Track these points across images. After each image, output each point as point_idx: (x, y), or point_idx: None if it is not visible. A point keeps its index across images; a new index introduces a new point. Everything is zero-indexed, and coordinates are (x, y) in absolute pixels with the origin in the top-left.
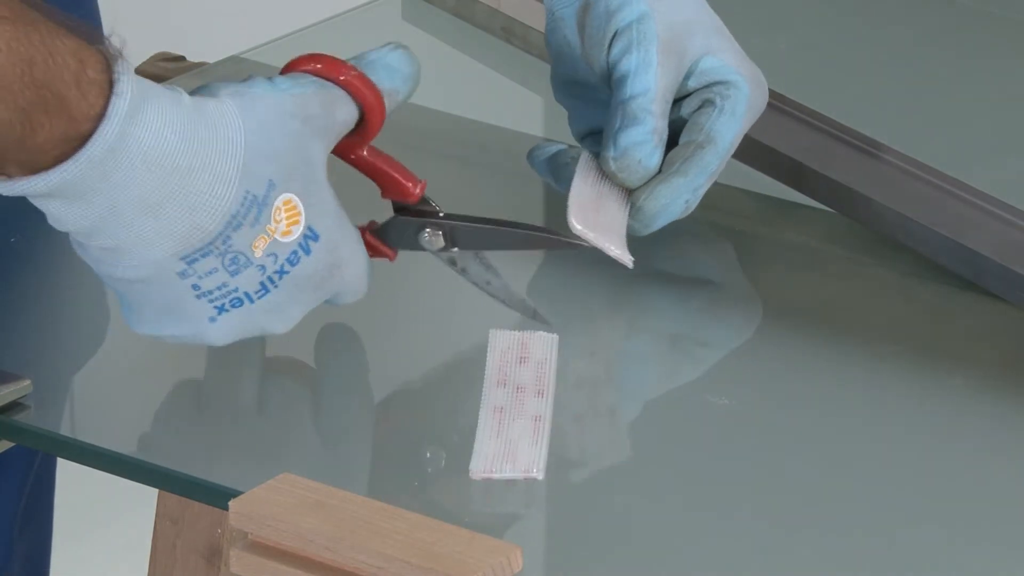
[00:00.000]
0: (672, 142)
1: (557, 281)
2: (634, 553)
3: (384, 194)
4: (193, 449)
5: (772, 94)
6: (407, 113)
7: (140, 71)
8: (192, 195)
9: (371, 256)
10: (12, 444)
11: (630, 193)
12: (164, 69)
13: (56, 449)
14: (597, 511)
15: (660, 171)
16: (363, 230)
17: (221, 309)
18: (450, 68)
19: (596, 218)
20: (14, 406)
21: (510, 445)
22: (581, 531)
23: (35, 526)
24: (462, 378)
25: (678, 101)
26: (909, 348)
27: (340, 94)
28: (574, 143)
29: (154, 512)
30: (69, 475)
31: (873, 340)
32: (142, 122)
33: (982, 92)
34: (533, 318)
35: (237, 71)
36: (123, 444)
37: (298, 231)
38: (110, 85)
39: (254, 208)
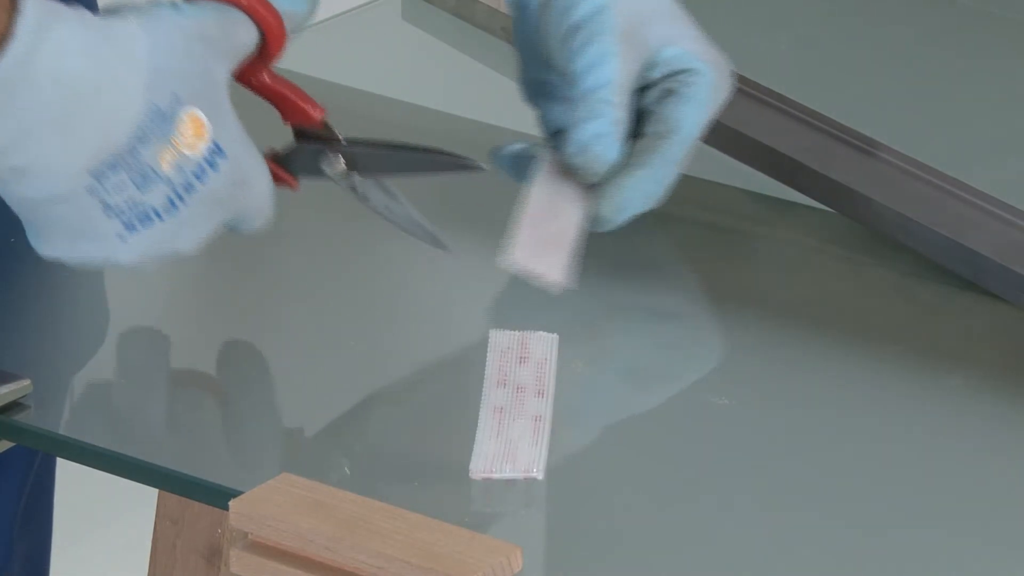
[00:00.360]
0: (636, 133)
1: (465, 207)
2: (634, 553)
3: (285, 118)
4: (193, 449)
5: (772, 94)
6: (407, 113)
7: None
8: (98, 108)
9: (275, 184)
10: (12, 444)
11: (592, 188)
12: None
13: (56, 449)
14: (597, 511)
15: (625, 163)
16: (265, 157)
17: (131, 227)
18: (450, 68)
19: (545, 231)
20: (14, 406)
21: (510, 445)
22: (581, 531)
23: (35, 526)
24: (462, 377)
25: (641, 91)
26: (909, 348)
27: (240, 16)
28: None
29: (154, 512)
30: (69, 475)
31: (873, 340)
32: (49, 40)
33: (982, 92)
34: (434, 245)
35: None
36: (123, 444)
37: (204, 146)
38: (14, 6)
39: (160, 120)
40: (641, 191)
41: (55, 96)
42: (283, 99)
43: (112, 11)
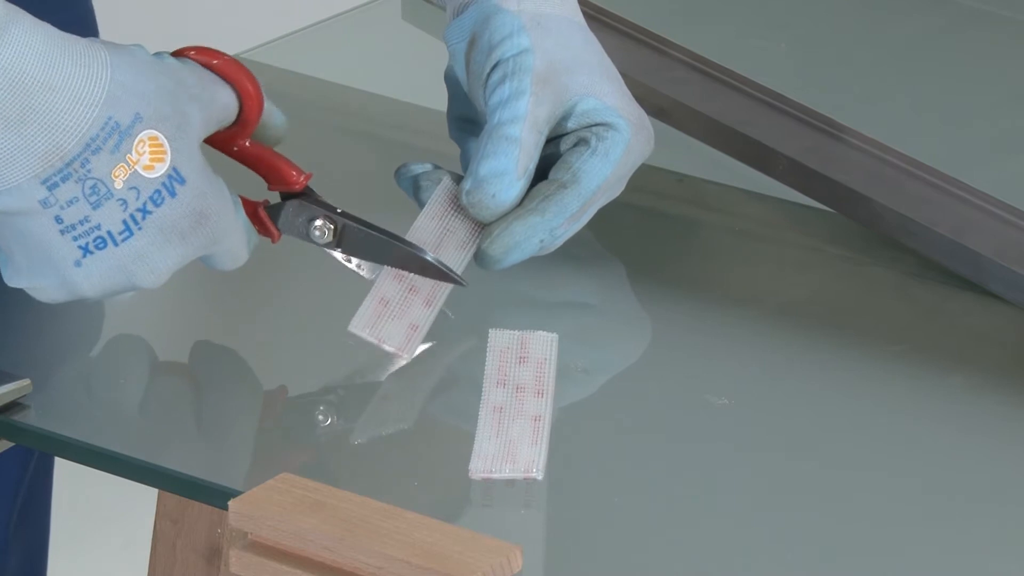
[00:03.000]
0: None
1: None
2: (634, 553)
3: (270, 186)
4: (193, 449)
5: (772, 94)
6: (408, 113)
7: None
8: (51, 113)
9: (258, 232)
10: (12, 444)
11: (483, 226)
12: None
13: (56, 449)
14: (597, 511)
15: (520, 206)
16: (255, 204)
17: (85, 250)
18: None
19: (433, 247)
20: (14, 406)
21: (510, 445)
22: (581, 531)
23: (32, 525)
24: (462, 377)
25: (555, 140)
26: (909, 348)
27: (217, 78)
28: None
29: (154, 512)
30: (69, 475)
31: (873, 340)
32: (6, 41)
33: (982, 92)
34: (448, 279)
35: None
36: (123, 444)
37: (162, 169)
38: None
39: (115, 135)
40: (529, 236)
41: (9, 97)
42: (266, 165)
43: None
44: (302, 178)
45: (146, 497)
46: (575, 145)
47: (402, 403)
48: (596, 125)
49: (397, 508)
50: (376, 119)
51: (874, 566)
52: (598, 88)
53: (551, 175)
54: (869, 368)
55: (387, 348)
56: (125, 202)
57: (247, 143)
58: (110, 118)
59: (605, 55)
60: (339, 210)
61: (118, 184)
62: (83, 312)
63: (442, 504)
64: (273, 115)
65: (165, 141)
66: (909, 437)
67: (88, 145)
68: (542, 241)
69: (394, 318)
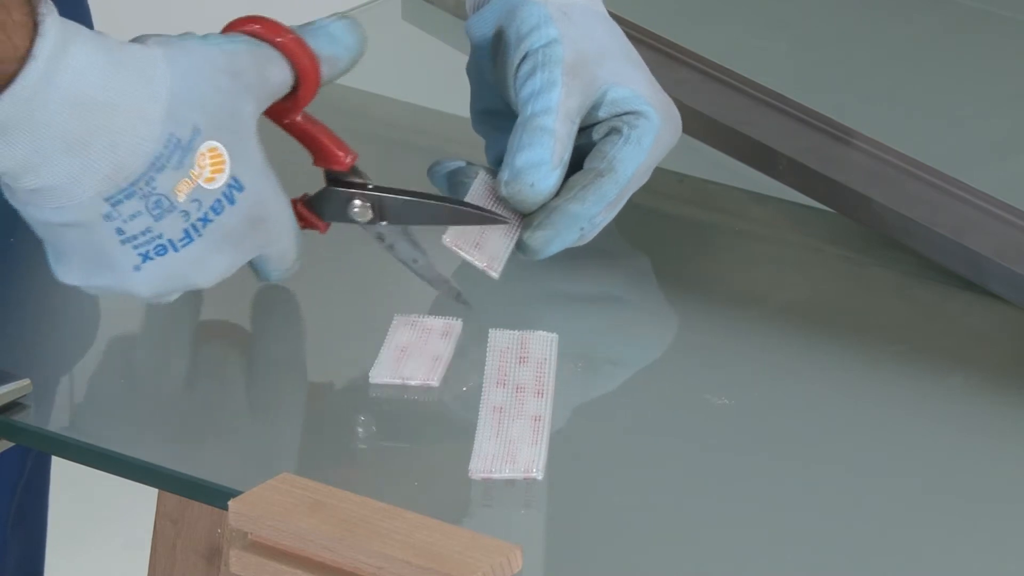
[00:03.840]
0: (577, 169)
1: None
2: (634, 553)
3: (315, 161)
4: (193, 449)
5: (772, 94)
6: (408, 113)
7: None
8: (115, 134)
9: (302, 227)
10: (12, 444)
11: (524, 217)
12: None
13: (56, 449)
14: (597, 511)
15: (558, 196)
16: (295, 202)
17: (145, 257)
18: (450, 68)
19: (476, 239)
20: (14, 406)
21: (510, 445)
22: (581, 531)
23: (29, 525)
24: (461, 377)
25: (586, 129)
26: (909, 348)
27: (274, 55)
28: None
29: (154, 512)
30: (69, 475)
31: (873, 340)
32: (66, 62)
33: (982, 92)
34: (456, 300)
35: None
36: (123, 444)
37: (222, 179)
38: (35, 27)
39: (178, 151)
40: (570, 226)
41: (71, 119)
42: (314, 141)
43: (139, 38)
44: (348, 158)
45: (146, 497)
46: (607, 135)
47: (402, 403)
48: (626, 114)
49: (397, 508)
50: (376, 119)
51: (874, 566)
52: (626, 77)
53: (586, 164)
54: (869, 368)
55: (413, 384)
56: (187, 213)
57: (299, 118)
58: (172, 134)
59: (629, 44)
60: (371, 185)
61: (181, 198)
62: (83, 312)
63: (442, 504)
64: (339, 46)
65: (224, 151)
66: (909, 437)
67: (153, 164)
68: (582, 230)
69: (413, 357)
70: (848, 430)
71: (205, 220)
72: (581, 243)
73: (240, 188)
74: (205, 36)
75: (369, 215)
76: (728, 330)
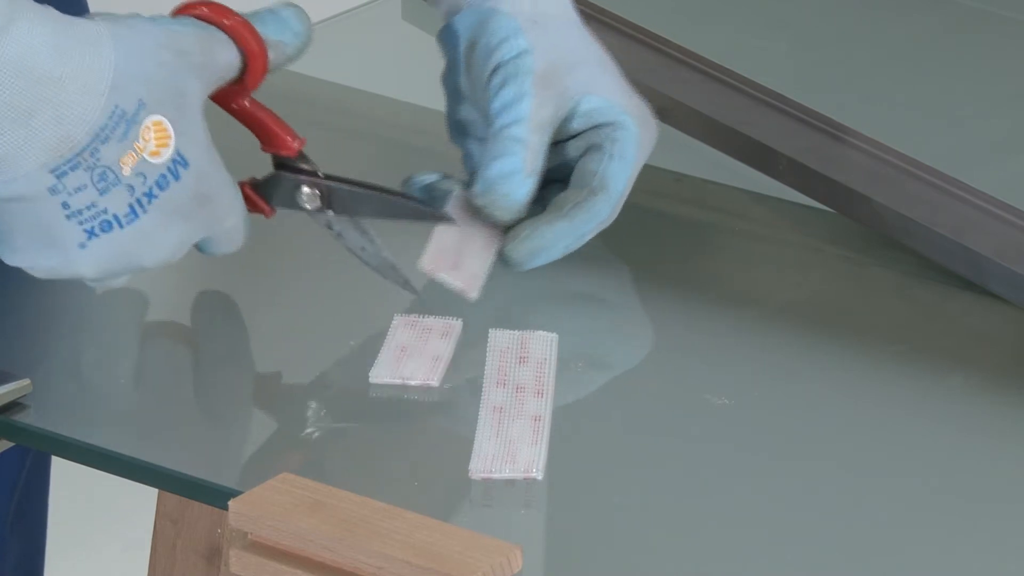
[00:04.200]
0: (555, 183)
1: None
2: (634, 553)
3: (263, 147)
4: (193, 449)
5: (772, 94)
6: (407, 113)
7: None
8: (61, 105)
9: (250, 210)
10: (12, 444)
11: (505, 229)
12: None
13: (56, 449)
14: (597, 511)
15: (546, 211)
16: (243, 184)
17: (91, 233)
18: None
19: (454, 260)
20: (14, 406)
21: (510, 445)
22: (581, 531)
23: (28, 525)
24: (461, 378)
25: (562, 143)
26: (909, 348)
27: (221, 37)
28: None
29: (154, 512)
30: (69, 475)
31: (873, 340)
32: (13, 33)
33: (982, 92)
34: (404, 287)
35: None
36: (123, 444)
37: (167, 153)
38: None
39: (122, 124)
40: (557, 241)
41: (17, 90)
42: (261, 126)
43: (86, 16)
44: (296, 143)
45: (146, 497)
46: (588, 151)
47: (402, 403)
48: (603, 126)
49: (397, 508)
50: (376, 119)
51: (874, 566)
52: (599, 85)
53: (573, 182)
54: (869, 368)
55: (413, 383)
56: (132, 188)
57: (246, 103)
58: (116, 106)
59: (603, 50)
60: (321, 174)
61: (126, 171)
62: (83, 312)
63: (442, 504)
64: (287, 30)
65: (169, 125)
66: (909, 437)
67: (98, 135)
68: (567, 247)
69: (413, 357)
70: (848, 430)
71: (150, 195)
72: (563, 255)
73: (185, 164)
74: (152, 17)
75: (317, 203)
76: (728, 330)
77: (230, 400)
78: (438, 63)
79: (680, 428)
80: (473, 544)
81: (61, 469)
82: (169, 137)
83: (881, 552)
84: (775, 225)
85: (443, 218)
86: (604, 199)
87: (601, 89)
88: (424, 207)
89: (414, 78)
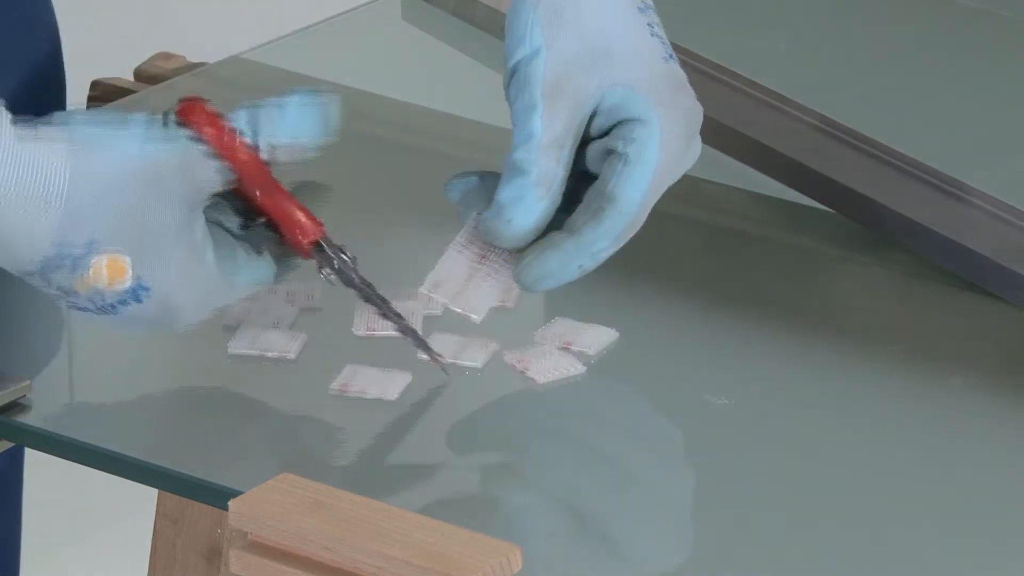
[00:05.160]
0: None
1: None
2: (634, 553)
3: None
4: (193, 449)
5: (772, 94)
6: (407, 113)
7: (139, 71)
8: (6, 234)
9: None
10: (12, 444)
11: (517, 251)
12: (163, 69)
13: (56, 449)
14: (597, 511)
15: (559, 230)
16: (310, 242)
17: (83, 310)
18: (450, 68)
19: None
20: (14, 406)
21: (469, 283)
22: (581, 531)
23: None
24: (461, 378)
25: (593, 142)
26: (909, 348)
27: (203, 157)
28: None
29: (154, 512)
30: (69, 475)
31: (873, 340)
32: None
33: (982, 92)
34: (426, 352)
35: (237, 71)
36: (123, 444)
37: (123, 285)
38: None
39: (68, 261)
40: (566, 264)
41: None
42: (277, 221)
43: (67, 115)
44: (307, 243)
45: (146, 497)
46: (606, 156)
47: (402, 403)
48: (622, 124)
49: (397, 508)
50: (376, 119)
51: (874, 566)
52: (619, 74)
53: (587, 196)
54: (869, 368)
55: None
56: (93, 301)
57: (257, 195)
58: (61, 247)
59: (636, 24)
60: (336, 265)
61: (82, 292)
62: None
63: (442, 504)
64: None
65: (126, 259)
66: (909, 437)
67: (45, 267)
68: (581, 267)
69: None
70: (848, 430)
71: (113, 309)
72: (583, 275)
73: (146, 290)
74: (148, 128)
75: (335, 279)
76: (728, 330)
77: (231, 400)
78: (438, 63)
79: (680, 428)
80: (473, 544)
81: (62, 469)
82: (125, 270)
83: (881, 551)
84: (775, 225)
85: (443, 370)
86: (615, 212)
87: (624, 77)
88: (431, 351)
89: (414, 78)
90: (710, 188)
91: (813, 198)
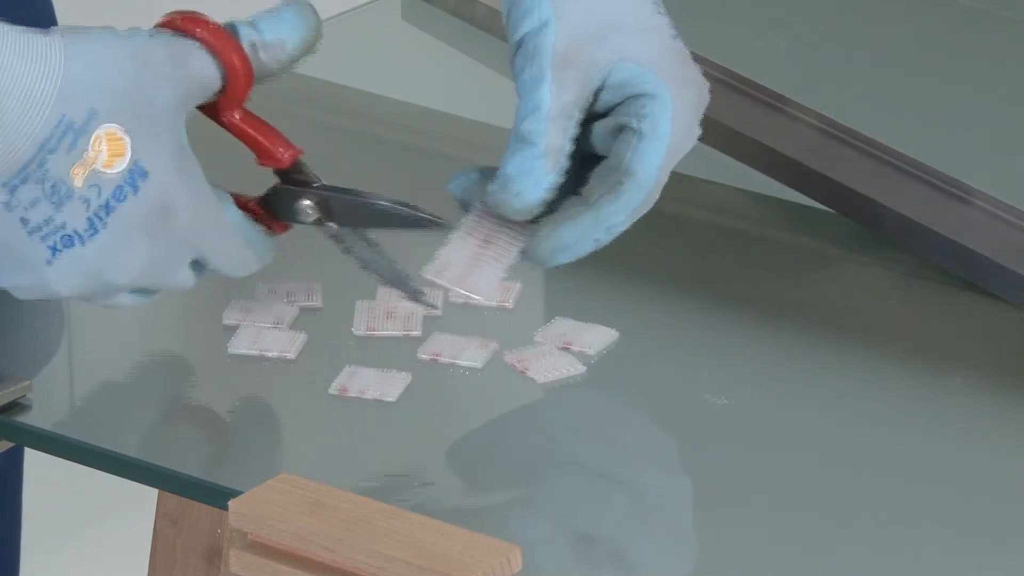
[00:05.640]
0: (592, 163)
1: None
2: (633, 553)
3: (258, 160)
4: (193, 449)
5: (772, 94)
6: (407, 113)
7: None
8: (3, 114)
9: (266, 229)
10: (12, 444)
11: (530, 224)
12: None
13: (56, 449)
14: (597, 511)
15: (572, 203)
16: (249, 201)
17: (54, 249)
18: (450, 68)
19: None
20: (14, 406)
21: (476, 264)
22: (582, 531)
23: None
24: (460, 377)
25: (599, 118)
26: (909, 348)
27: (194, 47)
28: None
29: (154, 512)
30: (69, 475)
31: (873, 340)
32: None
33: (982, 92)
34: (418, 301)
35: None
36: (123, 444)
37: (122, 164)
38: None
39: (70, 133)
40: (583, 237)
41: None
42: (251, 140)
43: (46, 30)
44: (287, 155)
45: (146, 497)
46: (619, 130)
47: (401, 403)
48: (633, 99)
49: (397, 508)
50: (375, 119)
51: (874, 565)
52: (630, 49)
53: (600, 168)
54: (869, 368)
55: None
56: (87, 200)
57: (236, 115)
58: (63, 117)
59: (644, 3)
60: (319, 184)
61: (78, 183)
62: (83, 312)
63: (442, 504)
64: (286, 28)
65: (125, 135)
66: (909, 436)
67: (43, 146)
68: (597, 240)
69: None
70: (848, 430)
71: (108, 208)
72: (598, 249)
73: (144, 175)
74: (124, 31)
75: (316, 215)
76: (728, 330)
77: (230, 400)
78: (438, 63)
79: (680, 428)
80: (473, 544)
81: (62, 469)
82: (124, 147)
83: (881, 551)
84: (775, 225)
85: (442, 224)
86: (633, 186)
87: (634, 53)
88: (424, 215)
89: (414, 78)
90: (710, 188)
91: (813, 198)
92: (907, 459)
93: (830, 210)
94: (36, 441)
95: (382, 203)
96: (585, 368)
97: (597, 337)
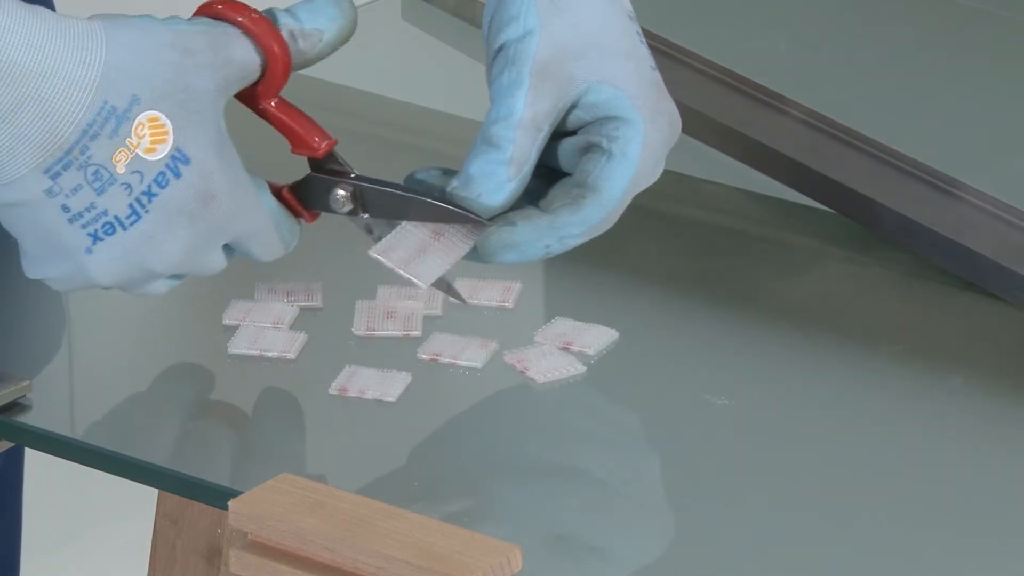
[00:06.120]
0: (562, 177)
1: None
2: (633, 553)
3: (292, 149)
4: (193, 449)
5: (772, 94)
6: (407, 113)
7: None
8: (45, 101)
9: (296, 216)
10: (12, 444)
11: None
12: None
13: (56, 449)
14: (597, 511)
15: (530, 206)
16: (280, 188)
17: (95, 237)
18: (450, 68)
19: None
20: (14, 406)
21: (422, 252)
22: (581, 531)
23: (3, 519)
24: (458, 377)
25: (566, 136)
26: (909, 348)
27: (235, 34)
28: None
29: (154, 512)
30: (69, 475)
31: (873, 340)
32: None
33: (982, 92)
34: (447, 293)
35: None
36: (123, 444)
37: (164, 150)
38: None
39: (112, 119)
40: (534, 240)
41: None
42: (288, 128)
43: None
44: (323, 144)
45: (146, 497)
46: (589, 148)
47: (400, 403)
48: (606, 120)
49: (397, 508)
50: (375, 119)
51: (874, 565)
52: (608, 72)
53: (570, 181)
54: (869, 368)
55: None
56: (129, 186)
57: (272, 104)
58: (105, 103)
59: (628, 31)
60: (354, 175)
61: (120, 169)
62: (83, 312)
63: (442, 504)
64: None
65: (167, 121)
66: (909, 437)
67: (85, 132)
68: (547, 247)
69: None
70: (848, 430)
71: (150, 194)
72: (545, 258)
73: (186, 161)
74: (164, 18)
75: (349, 205)
76: (728, 330)
77: (230, 400)
78: (438, 63)
79: (680, 428)
80: (473, 544)
81: (62, 469)
82: (166, 133)
83: (881, 551)
84: (775, 225)
85: (482, 223)
86: (595, 202)
87: (612, 77)
88: (460, 210)
89: (414, 78)
90: (710, 188)
91: (813, 198)
92: (907, 459)
93: (830, 210)
94: (36, 441)
95: (422, 197)
96: (585, 368)
97: (597, 337)
